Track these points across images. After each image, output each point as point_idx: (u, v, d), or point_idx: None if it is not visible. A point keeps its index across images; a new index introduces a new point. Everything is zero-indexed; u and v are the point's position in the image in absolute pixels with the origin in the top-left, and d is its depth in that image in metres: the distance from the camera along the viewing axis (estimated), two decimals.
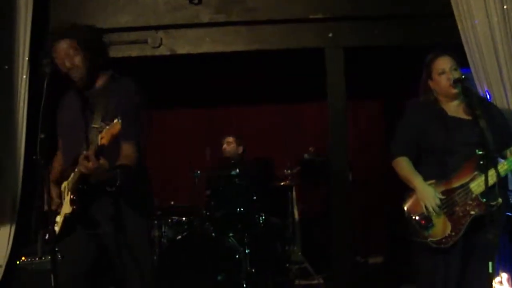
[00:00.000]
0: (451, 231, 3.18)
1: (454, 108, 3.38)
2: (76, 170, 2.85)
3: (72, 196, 2.89)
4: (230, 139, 5.96)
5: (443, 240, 3.18)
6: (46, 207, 2.66)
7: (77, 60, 2.96)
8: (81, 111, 3.02)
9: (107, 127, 2.61)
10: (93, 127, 2.85)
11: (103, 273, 3.37)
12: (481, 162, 3.11)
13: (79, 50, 2.96)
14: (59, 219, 2.96)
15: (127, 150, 2.94)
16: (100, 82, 3.07)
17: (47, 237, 2.90)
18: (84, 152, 2.73)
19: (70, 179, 2.93)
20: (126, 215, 2.97)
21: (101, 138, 2.62)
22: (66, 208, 2.91)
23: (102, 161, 2.70)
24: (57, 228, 2.94)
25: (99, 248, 3.05)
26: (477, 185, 3.18)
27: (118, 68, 3.16)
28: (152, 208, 3.83)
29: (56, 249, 2.66)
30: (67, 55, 2.95)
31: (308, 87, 6.13)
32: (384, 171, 3.46)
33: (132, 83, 3.08)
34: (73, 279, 2.93)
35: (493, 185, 3.06)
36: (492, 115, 3.31)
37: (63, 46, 2.95)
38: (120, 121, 2.59)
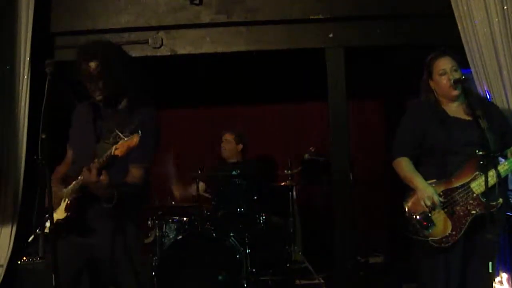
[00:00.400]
0: (451, 231, 3.19)
1: (455, 109, 3.38)
2: (78, 179, 2.86)
3: (68, 203, 2.90)
4: (229, 137, 5.87)
5: (444, 239, 3.19)
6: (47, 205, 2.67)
7: (101, 83, 2.96)
8: (96, 127, 3.02)
9: (125, 139, 2.61)
10: (105, 142, 2.85)
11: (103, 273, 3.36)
12: (482, 162, 3.12)
13: (105, 73, 2.95)
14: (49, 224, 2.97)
15: (135, 173, 2.96)
16: (121, 103, 3.07)
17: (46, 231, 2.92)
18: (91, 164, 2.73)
19: (70, 186, 2.93)
20: (120, 226, 2.97)
21: (115, 149, 2.62)
22: (60, 214, 2.91)
23: (102, 177, 2.71)
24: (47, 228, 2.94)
25: (89, 258, 3.03)
26: (478, 185, 3.19)
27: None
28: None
29: (53, 248, 2.67)
30: (93, 76, 2.95)
31: (309, 87, 6.13)
32: (385, 171, 3.47)
33: (154, 109, 3.10)
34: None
35: (494, 185, 3.07)
36: (493, 115, 3.32)
37: (91, 67, 2.95)
38: (140, 135, 2.59)
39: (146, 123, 2.92)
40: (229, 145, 5.85)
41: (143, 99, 3.11)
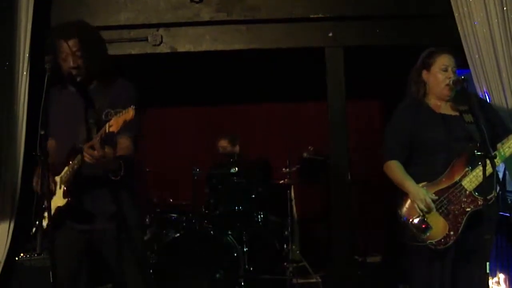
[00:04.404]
0: (449, 231, 3.17)
1: (442, 105, 3.37)
2: (71, 163, 2.87)
3: (65, 188, 2.90)
4: (224, 143, 5.99)
5: (442, 240, 3.17)
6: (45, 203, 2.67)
7: (81, 60, 2.97)
8: (76, 107, 3.01)
9: (119, 114, 2.61)
10: (91, 122, 2.89)
11: (101, 270, 3.36)
12: (475, 156, 3.10)
13: (84, 51, 2.97)
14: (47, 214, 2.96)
15: (125, 143, 2.96)
16: (96, 81, 3.07)
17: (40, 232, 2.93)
18: (90, 141, 2.74)
19: (63, 173, 2.93)
20: (120, 208, 2.99)
21: (110, 126, 2.62)
22: (59, 201, 2.91)
23: (107, 149, 2.72)
24: (45, 223, 2.94)
25: (87, 246, 3.05)
26: (469, 181, 3.18)
27: (118, 65, 3.17)
28: (143, 200, 3.82)
29: (51, 244, 2.67)
30: (73, 54, 2.96)
31: (308, 86, 6.14)
32: (383, 171, 3.45)
33: (129, 83, 3.11)
34: (64, 277, 2.92)
35: (487, 179, 3.05)
36: (482, 109, 3.31)
37: (70, 45, 2.96)
38: (133, 108, 2.60)
39: (124, 97, 2.96)
40: (227, 150, 5.93)
41: (115, 77, 3.12)
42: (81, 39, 2.98)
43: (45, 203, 2.97)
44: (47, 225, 2.71)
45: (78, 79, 2.99)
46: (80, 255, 3.05)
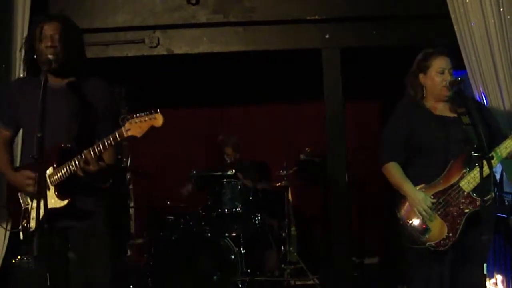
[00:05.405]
0: (448, 232, 3.16)
1: (440, 107, 3.37)
2: (61, 167, 2.84)
3: (58, 191, 2.88)
4: (229, 151, 6.07)
5: (442, 242, 3.16)
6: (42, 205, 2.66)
7: (60, 45, 2.96)
8: (53, 103, 2.91)
9: (141, 119, 2.61)
10: (69, 121, 2.89)
11: None
12: (472, 157, 3.11)
13: (63, 36, 2.97)
14: (35, 214, 2.94)
15: (110, 150, 2.93)
16: (72, 78, 3.04)
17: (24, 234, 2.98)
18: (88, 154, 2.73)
19: (49, 173, 2.89)
20: (90, 206, 3.00)
21: (127, 130, 2.63)
22: (55, 203, 2.87)
23: (101, 163, 2.76)
24: (33, 224, 2.94)
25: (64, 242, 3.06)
26: (467, 183, 3.18)
27: (115, 67, 3.18)
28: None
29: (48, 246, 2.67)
30: (52, 36, 2.96)
31: (305, 87, 6.14)
32: (381, 172, 3.45)
33: (106, 84, 3.12)
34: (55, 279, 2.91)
35: (484, 180, 3.05)
36: (479, 110, 3.31)
37: (51, 28, 2.97)
38: (160, 114, 2.61)
39: (104, 99, 3.01)
40: (231, 157, 6.05)
41: (91, 76, 3.12)
42: (62, 23, 3.00)
43: (20, 203, 2.99)
44: (44, 227, 2.69)
45: (54, 65, 2.91)
46: (62, 254, 3.05)
